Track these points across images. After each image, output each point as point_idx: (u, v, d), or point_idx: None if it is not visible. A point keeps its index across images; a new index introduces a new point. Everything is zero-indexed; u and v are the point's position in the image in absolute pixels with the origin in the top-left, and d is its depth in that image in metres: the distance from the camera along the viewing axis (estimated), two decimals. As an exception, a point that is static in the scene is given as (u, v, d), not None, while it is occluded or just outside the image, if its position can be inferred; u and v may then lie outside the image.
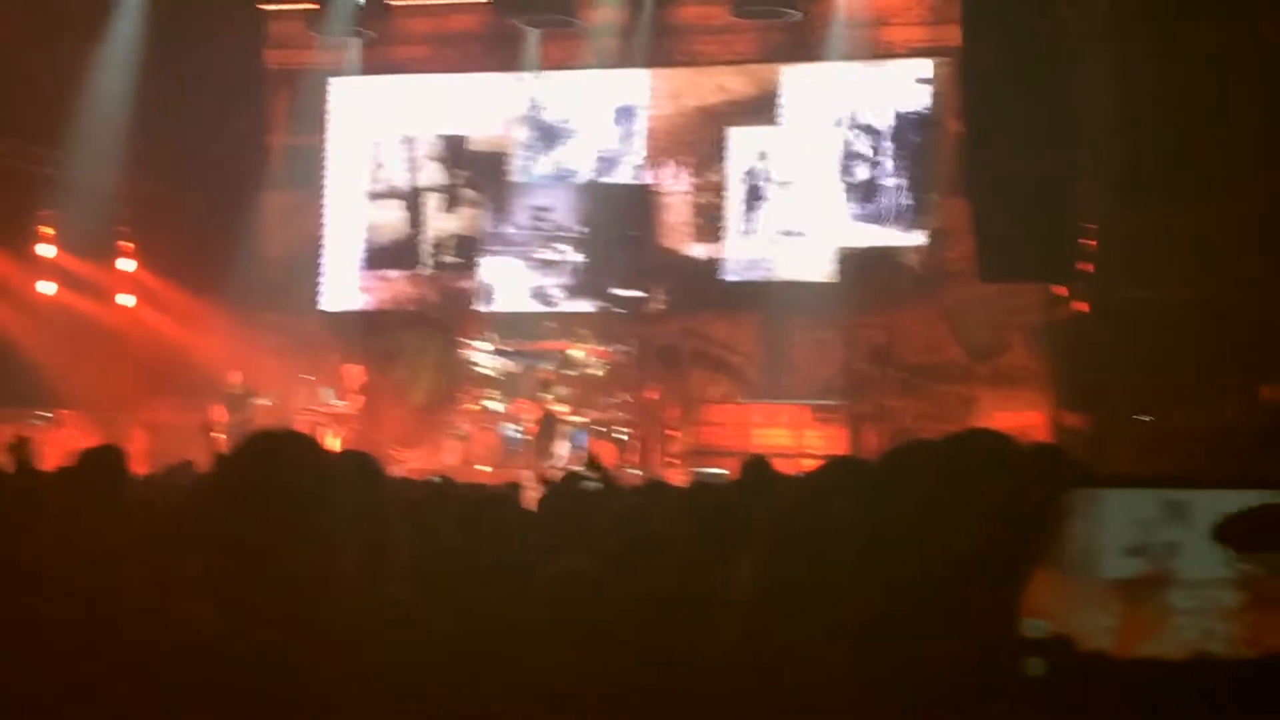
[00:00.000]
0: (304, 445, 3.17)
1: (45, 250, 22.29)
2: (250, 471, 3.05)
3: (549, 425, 21.82)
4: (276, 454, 3.11)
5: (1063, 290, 17.85)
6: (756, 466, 7.61)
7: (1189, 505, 3.29)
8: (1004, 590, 2.92)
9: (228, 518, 2.99)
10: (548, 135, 24.40)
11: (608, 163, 24.15)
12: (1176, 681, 3.14)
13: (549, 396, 22.16)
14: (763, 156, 23.42)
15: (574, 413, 22.72)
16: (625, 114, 24.11)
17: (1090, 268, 17.36)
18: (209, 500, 3.13)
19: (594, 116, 24.28)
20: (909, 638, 2.85)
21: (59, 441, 20.22)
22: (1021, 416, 21.03)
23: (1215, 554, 3.24)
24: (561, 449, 22.16)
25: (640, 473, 20.55)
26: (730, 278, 23.45)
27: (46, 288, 22.29)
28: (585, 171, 24.26)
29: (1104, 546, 3.21)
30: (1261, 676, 3.20)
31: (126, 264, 23.32)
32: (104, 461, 6.93)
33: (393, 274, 25.00)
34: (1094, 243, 17.62)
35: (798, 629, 3.08)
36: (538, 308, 24.13)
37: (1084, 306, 18.83)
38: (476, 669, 3.30)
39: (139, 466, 14.08)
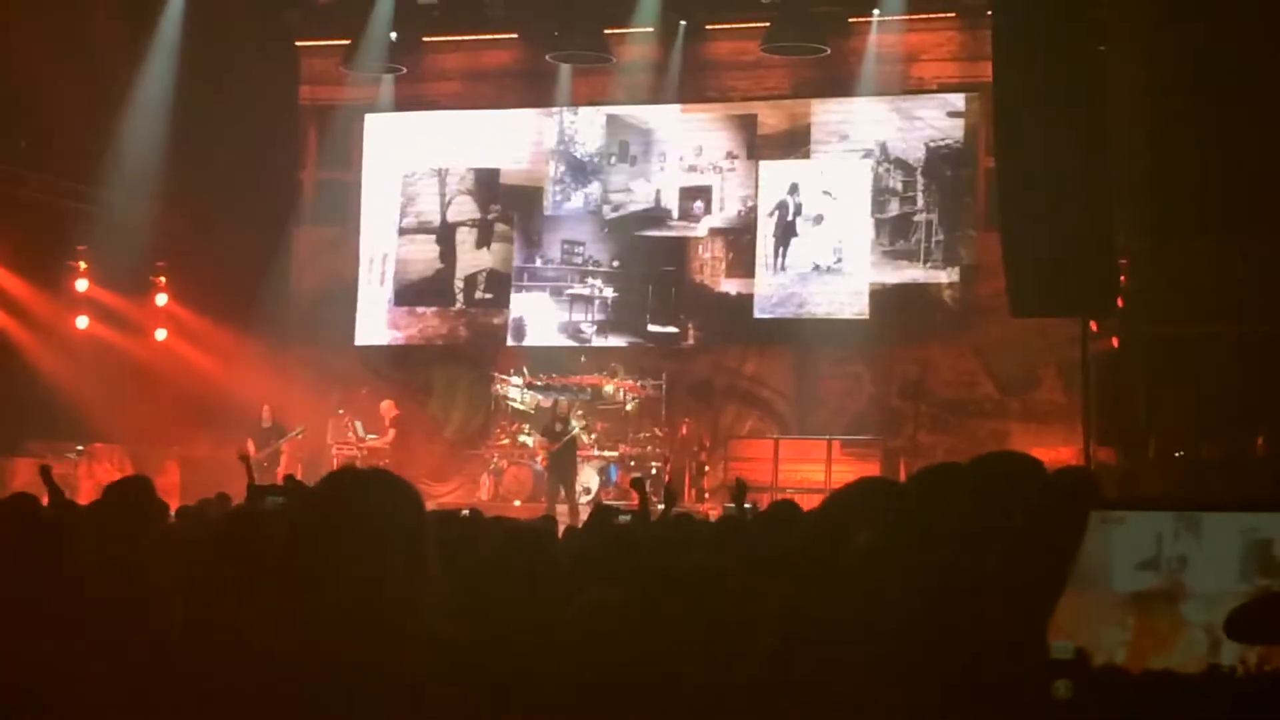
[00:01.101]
0: (394, 484, 3.20)
1: (80, 285, 22.41)
2: (342, 507, 3.07)
3: (568, 458, 21.75)
4: (367, 491, 3.13)
5: (1095, 325, 17.78)
6: (785, 508, 7.58)
7: (1200, 522, 3.29)
8: (1031, 612, 2.91)
9: (314, 551, 3.01)
10: (579, 170, 24.45)
11: (639, 197, 24.17)
12: (1189, 694, 3.13)
13: (572, 429, 22.10)
14: (794, 190, 23.42)
15: (602, 446, 22.75)
16: (657, 149, 24.14)
17: (1123, 302, 17.31)
18: (293, 533, 3.14)
19: (625, 152, 24.31)
20: (935, 657, 2.85)
21: (93, 475, 20.32)
22: (1054, 452, 20.95)
23: (1227, 568, 3.24)
24: (590, 482, 22.16)
25: (664, 508, 20.50)
26: (761, 314, 23.43)
27: (81, 322, 22.40)
28: (617, 206, 24.27)
29: (1117, 561, 3.22)
30: (1272, 689, 3.19)
31: (160, 298, 23.42)
32: (132, 493, 6.95)
33: (424, 310, 25.03)
34: (1127, 277, 17.59)
35: (824, 651, 3.08)
36: (569, 343, 24.14)
37: (1117, 341, 18.78)
38: (511, 698, 3.30)
39: (171, 500, 14.12)
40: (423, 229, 25.10)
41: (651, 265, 24.00)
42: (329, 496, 3.13)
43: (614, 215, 24.32)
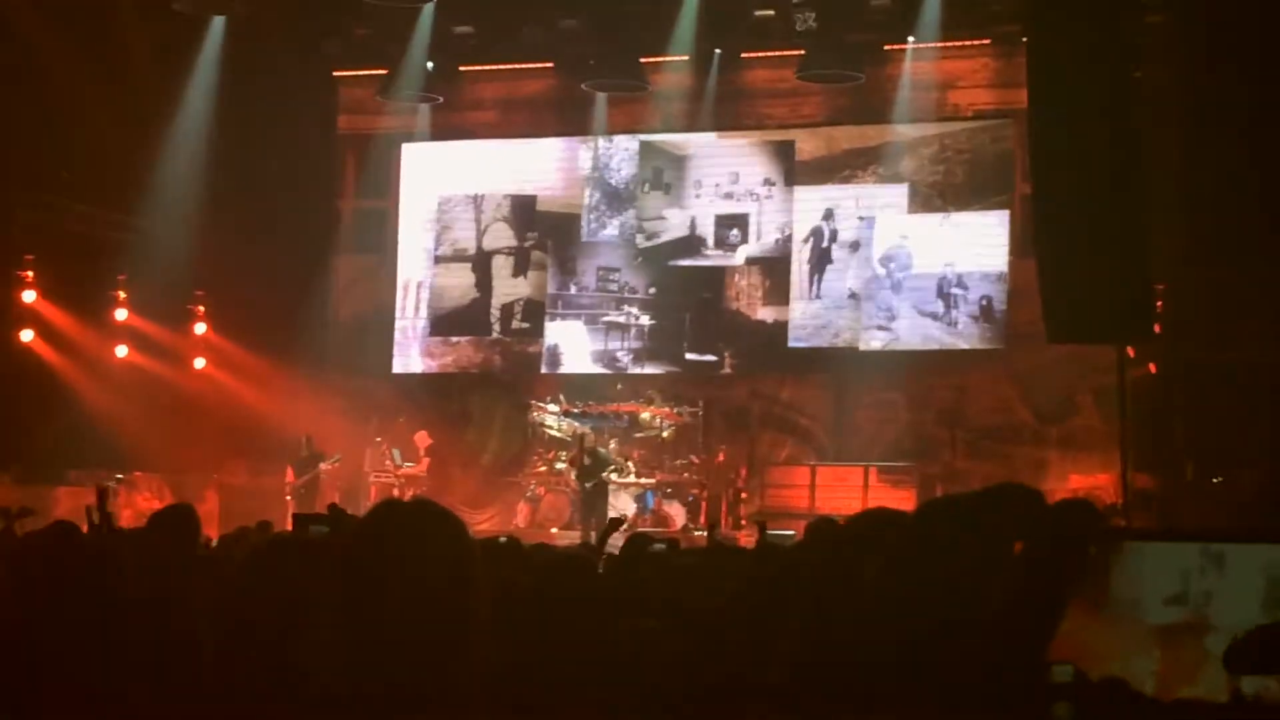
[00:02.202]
0: (440, 513, 3.25)
1: (120, 314, 22.54)
2: (393, 537, 3.12)
3: (598, 498, 21.78)
4: (416, 521, 3.19)
5: (1132, 351, 17.75)
6: (822, 527, 7.61)
7: (1225, 556, 3.36)
8: (1031, 636, 2.97)
9: (366, 580, 3.06)
10: (614, 197, 24.49)
11: (674, 225, 24.20)
12: None
13: (607, 471, 22.09)
14: (829, 216, 23.42)
15: (638, 473, 22.78)
16: (692, 176, 24.19)
17: (1160, 329, 17.27)
18: (344, 563, 3.19)
19: (659, 179, 24.36)
20: (941, 680, 2.90)
21: (132, 503, 20.43)
22: (1091, 478, 20.93)
23: (1250, 603, 3.30)
24: (627, 509, 22.20)
25: (707, 534, 20.54)
26: (795, 344, 23.42)
27: (121, 351, 22.53)
28: (650, 235, 24.31)
29: (1145, 595, 3.29)
30: None
31: (199, 327, 23.55)
32: (176, 521, 7.01)
33: (458, 339, 25.07)
34: (1163, 304, 17.56)
35: (834, 674, 3.13)
36: (605, 370, 24.16)
37: (1154, 368, 18.76)
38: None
39: (210, 527, 14.19)
40: (459, 257, 25.18)
41: (689, 292, 24.02)
42: (380, 527, 3.18)
43: (647, 244, 24.35)
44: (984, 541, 3.00)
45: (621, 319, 24.25)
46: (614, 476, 22.33)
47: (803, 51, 22.50)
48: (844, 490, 21.44)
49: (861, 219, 23.29)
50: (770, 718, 3.37)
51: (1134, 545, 3.38)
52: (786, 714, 3.32)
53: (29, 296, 21.34)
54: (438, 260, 25.24)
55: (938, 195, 22.98)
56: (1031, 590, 2.97)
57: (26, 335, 21.33)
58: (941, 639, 2.93)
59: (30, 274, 21.27)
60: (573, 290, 24.59)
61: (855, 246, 23.28)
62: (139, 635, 5.10)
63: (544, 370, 24.57)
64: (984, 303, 22.53)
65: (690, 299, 23.99)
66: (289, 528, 16.72)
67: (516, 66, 24.76)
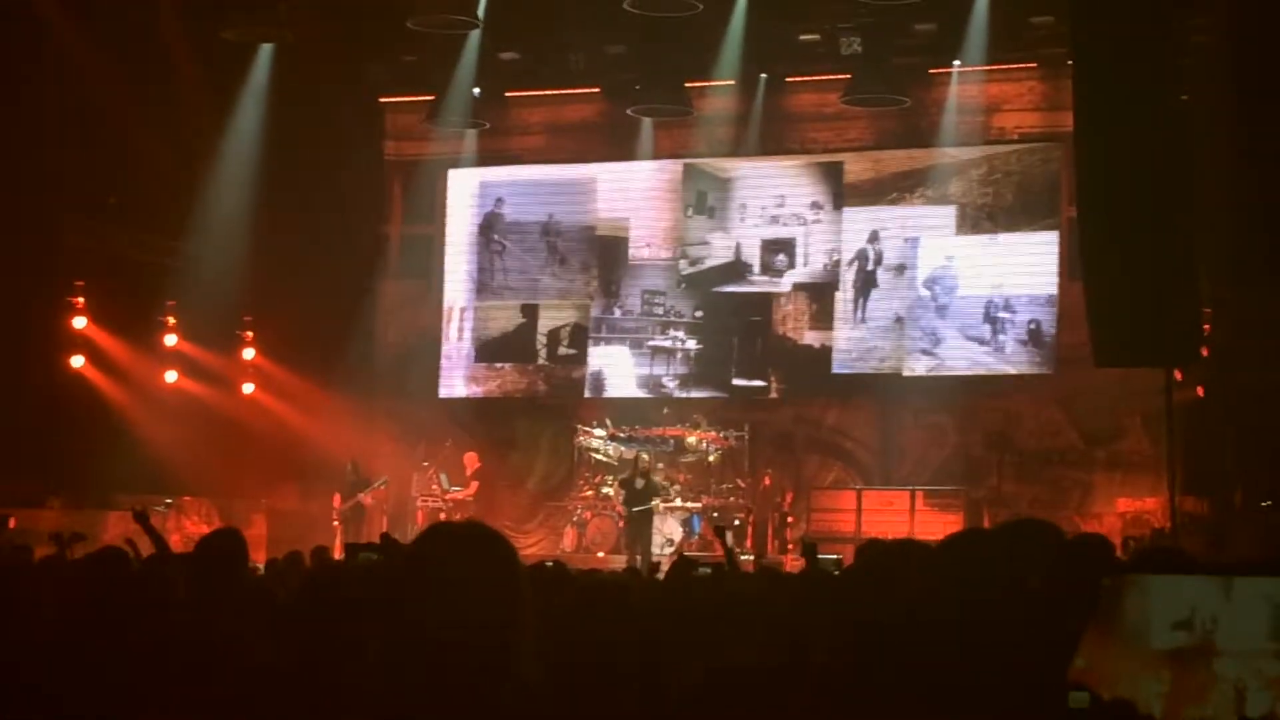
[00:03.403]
0: (490, 537, 3.28)
1: (169, 340, 22.69)
2: (442, 561, 3.16)
3: (644, 523, 21.76)
4: (465, 545, 3.22)
5: (1180, 374, 17.68)
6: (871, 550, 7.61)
7: (1233, 585, 3.46)
8: (1048, 668, 3.03)
9: (417, 604, 3.10)
10: (664, 222, 24.48)
11: (718, 251, 24.19)
12: None
13: (653, 502, 22.07)
14: (874, 239, 23.40)
15: (685, 497, 22.77)
16: (736, 200, 24.19)
17: (1207, 352, 17.20)
18: (396, 586, 3.23)
19: (703, 203, 24.37)
20: (963, 708, 2.95)
21: (181, 528, 20.53)
22: (1140, 502, 20.84)
23: (1256, 629, 3.39)
24: (673, 533, 22.19)
25: (754, 558, 20.53)
26: (841, 369, 23.39)
27: (170, 376, 22.68)
28: (694, 261, 24.30)
29: (1154, 621, 3.39)
30: None
31: (248, 352, 23.68)
32: (225, 546, 7.05)
33: (503, 365, 25.10)
34: (1211, 326, 17.49)
35: (862, 699, 3.19)
36: (651, 395, 24.14)
37: (1202, 391, 18.67)
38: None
39: (258, 552, 14.27)
40: (505, 283, 25.22)
41: (737, 316, 23.99)
42: (431, 548, 3.21)
43: (691, 270, 24.33)
44: (1003, 575, 3.08)
45: (667, 344, 24.22)
46: (658, 504, 22.28)
47: (848, 76, 22.51)
48: (890, 514, 21.39)
49: (906, 240, 23.26)
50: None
51: (1144, 578, 3.49)
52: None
53: (80, 322, 21.52)
54: (482, 286, 25.29)
55: (986, 217, 22.92)
56: (1047, 623, 3.05)
57: (77, 361, 21.51)
58: (963, 667, 2.99)
59: (81, 300, 21.45)
60: (617, 314, 24.59)
61: (901, 270, 23.25)
62: (186, 658, 5.15)
63: (587, 395, 24.58)
64: (1033, 326, 22.43)
65: (738, 323, 23.95)
66: (337, 554, 16.84)
67: (562, 92, 24.85)
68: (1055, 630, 3.15)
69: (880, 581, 4.25)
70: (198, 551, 7.05)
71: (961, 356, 22.78)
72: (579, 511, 23.32)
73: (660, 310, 24.33)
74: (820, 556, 12.54)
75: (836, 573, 8.35)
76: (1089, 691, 3.22)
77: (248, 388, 23.74)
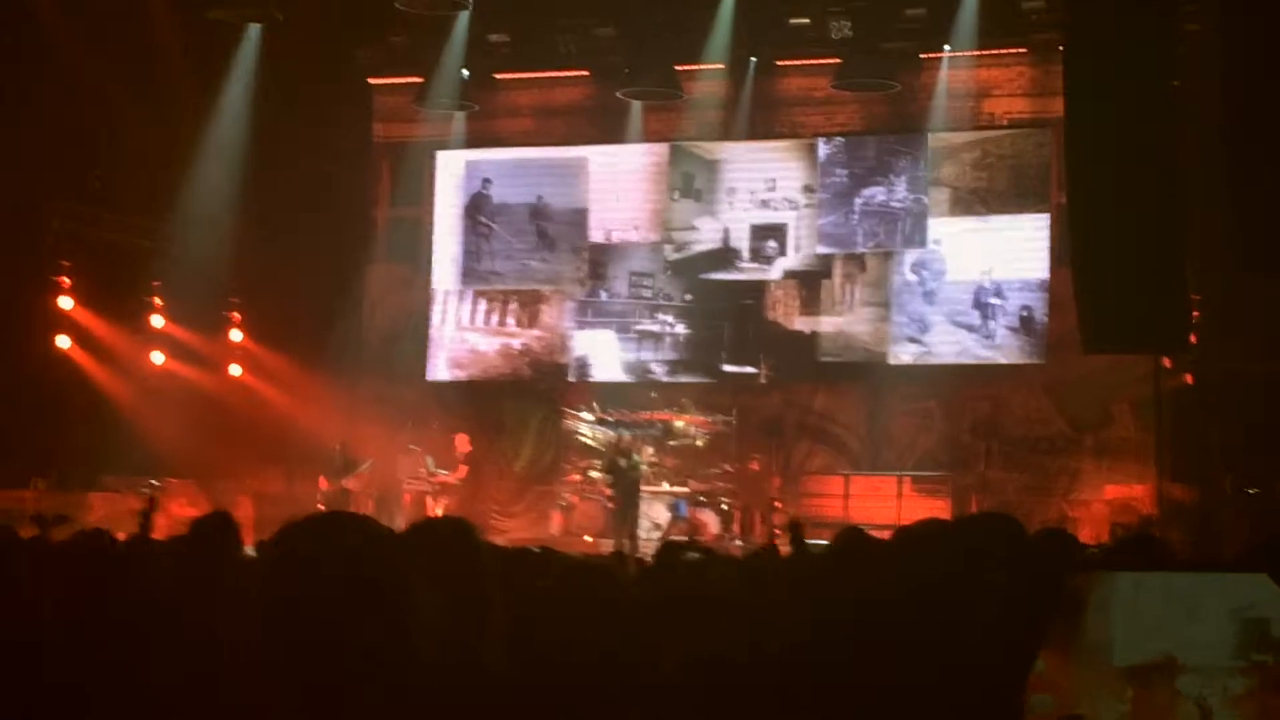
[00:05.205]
0: (449, 524, 3.24)
1: (155, 321, 22.63)
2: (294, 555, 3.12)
3: (630, 495, 21.73)
4: (422, 534, 3.18)
5: (1169, 362, 17.69)
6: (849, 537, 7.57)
7: (1199, 596, 3.40)
8: (1007, 671, 2.97)
9: (282, 598, 3.06)
10: (654, 206, 24.41)
11: (705, 237, 24.12)
12: None
13: (637, 464, 22.06)
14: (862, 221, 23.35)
15: (671, 481, 22.74)
16: (724, 183, 24.12)
17: (1196, 339, 17.20)
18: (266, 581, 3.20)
19: (689, 185, 24.28)
20: (918, 709, 2.90)
21: (166, 510, 20.47)
22: (1128, 489, 20.85)
23: (1222, 645, 3.33)
24: (659, 517, 22.16)
25: (742, 544, 20.53)
26: (827, 358, 23.33)
27: (156, 358, 22.62)
28: (680, 246, 24.22)
29: (1118, 635, 3.32)
30: None
31: (234, 334, 23.62)
32: (217, 530, 7.00)
33: (488, 349, 25.02)
34: (1200, 314, 17.48)
35: (815, 697, 3.13)
36: (638, 379, 24.07)
37: (1190, 378, 18.68)
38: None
39: (245, 535, 14.23)
40: (491, 267, 25.14)
41: (728, 301, 23.92)
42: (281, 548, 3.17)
43: (677, 256, 24.27)
44: (963, 571, 3.01)
45: (655, 328, 24.15)
46: (646, 472, 22.24)
47: (838, 60, 22.48)
48: (878, 500, 21.39)
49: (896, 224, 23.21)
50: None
51: (1108, 578, 3.41)
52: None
53: (65, 303, 21.46)
54: (469, 269, 25.21)
55: (979, 201, 22.85)
56: (1008, 621, 2.98)
57: (63, 342, 21.45)
58: (919, 667, 2.94)
59: (67, 281, 21.39)
60: (603, 297, 24.51)
61: (888, 255, 23.19)
62: (174, 641, 5.11)
63: (572, 379, 24.52)
64: (1024, 313, 22.34)
65: (729, 307, 23.86)
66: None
67: (552, 74, 24.80)
68: (1015, 629, 3.08)
69: (837, 572, 4.20)
70: (192, 534, 7.01)
71: (950, 344, 22.71)
72: (566, 495, 23.28)
73: (648, 294, 24.25)
74: (807, 542, 12.50)
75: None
76: (1051, 697, 3.18)
77: (234, 370, 23.69)
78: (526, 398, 24.86)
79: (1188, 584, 3.46)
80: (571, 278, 24.72)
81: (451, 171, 25.42)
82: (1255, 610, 3.35)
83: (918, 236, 23.04)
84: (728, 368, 23.81)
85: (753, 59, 23.61)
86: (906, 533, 3.28)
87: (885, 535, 4.73)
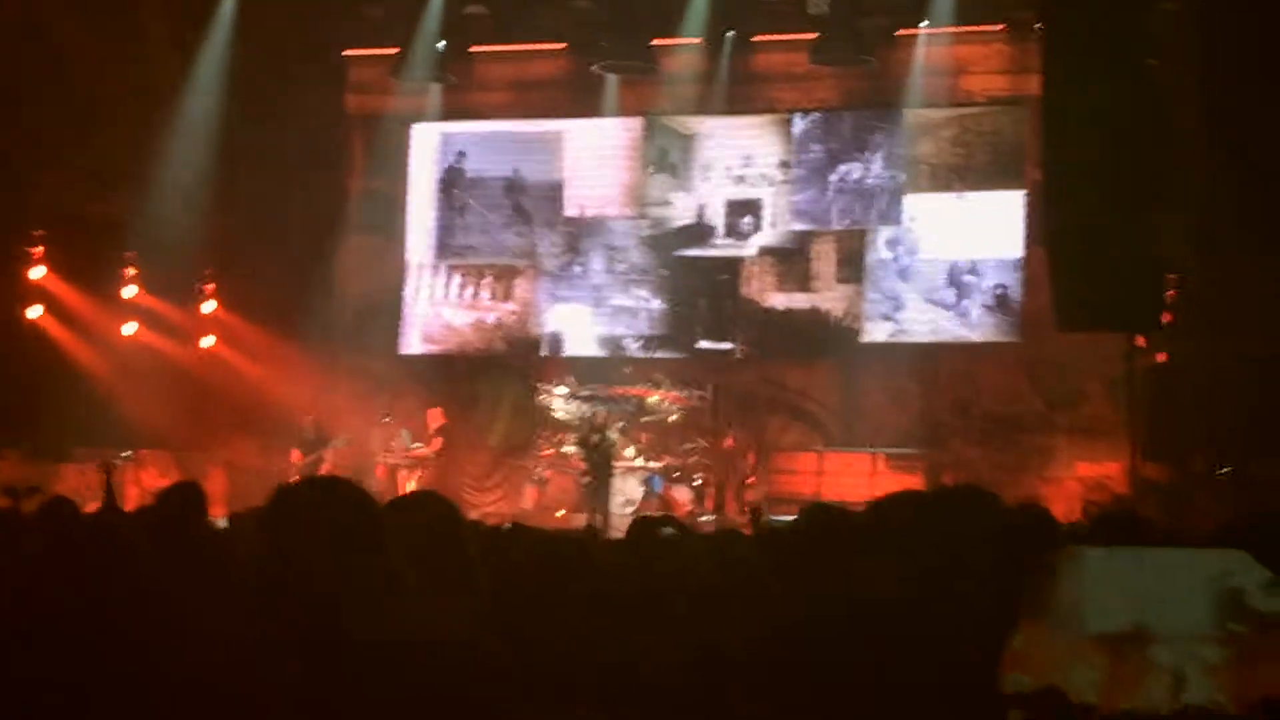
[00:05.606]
0: (427, 499, 3.22)
1: (128, 291, 22.55)
2: (285, 520, 3.09)
3: (603, 470, 21.71)
4: (311, 502, 3.15)
5: (1143, 340, 17.72)
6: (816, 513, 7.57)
7: (1174, 565, 3.39)
8: (983, 645, 2.95)
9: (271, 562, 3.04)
10: (628, 180, 24.35)
11: (680, 212, 24.06)
12: None
13: (609, 440, 22.05)
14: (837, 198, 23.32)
15: (645, 457, 22.72)
16: (700, 159, 24.06)
17: (1170, 318, 17.23)
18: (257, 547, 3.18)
19: (664, 160, 24.22)
20: (892, 690, 2.88)
21: (139, 481, 20.43)
22: (1100, 467, 20.90)
23: (1197, 614, 3.32)
24: (633, 493, 22.14)
25: (714, 519, 20.54)
26: (802, 335, 23.31)
27: (129, 328, 22.53)
28: (655, 222, 24.16)
29: (1089, 603, 3.30)
30: None
31: (208, 305, 23.54)
32: (184, 500, 6.98)
33: (461, 323, 24.97)
34: (1175, 293, 17.51)
35: (790, 672, 3.11)
36: (612, 354, 24.02)
37: (1164, 357, 18.71)
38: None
39: (217, 508, 14.18)
40: (466, 241, 25.07)
41: (704, 276, 23.87)
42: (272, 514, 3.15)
43: (652, 231, 24.21)
44: (940, 545, 2.99)
45: (630, 303, 24.11)
46: (619, 449, 22.23)
47: (815, 35, 22.46)
48: (851, 476, 21.40)
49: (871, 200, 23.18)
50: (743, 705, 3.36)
51: (1081, 551, 3.40)
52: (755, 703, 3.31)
53: (38, 273, 21.36)
54: (444, 243, 25.14)
55: (956, 178, 22.81)
56: (984, 598, 2.96)
57: (35, 312, 21.36)
58: (893, 641, 2.92)
59: (40, 250, 21.29)
60: (578, 272, 24.45)
61: (863, 231, 23.17)
62: (142, 612, 5.07)
63: (544, 354, 24.47)
64: (999, 291, 22.32)
65: (704, 283, 23.82)
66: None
67: (528, 48, 24.70)
68: (992, 602, 3.07)
69: (811, 549, 4.18)
70: (158, 504, 6.99)
71: (924, 322, 22.70)
72: (539, 470, 23.25)
73: (623, 269, 24.20)
74: (776, 519, 12.51)
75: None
76: (1028, 676, 3.17)
77: (208, 341, 23.60)
78: (500, 372, 24.79)
79: (1162, 557, 3.46)
80: (546, 252, 24.64)
81: (427, 144, 25.34)
82: (1231, 580, 3.35)
83: (893, 213, 23.01)
84: (702, 344, 23.78)
85: (729, 33, 23.55)
86: (883, 505, 3.25)
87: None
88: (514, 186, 24.93)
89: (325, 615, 2.93)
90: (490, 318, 24.87)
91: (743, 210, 23.78)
